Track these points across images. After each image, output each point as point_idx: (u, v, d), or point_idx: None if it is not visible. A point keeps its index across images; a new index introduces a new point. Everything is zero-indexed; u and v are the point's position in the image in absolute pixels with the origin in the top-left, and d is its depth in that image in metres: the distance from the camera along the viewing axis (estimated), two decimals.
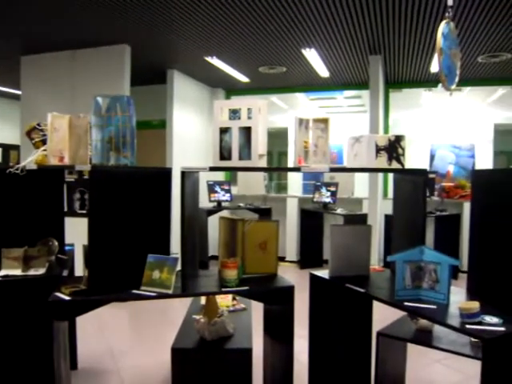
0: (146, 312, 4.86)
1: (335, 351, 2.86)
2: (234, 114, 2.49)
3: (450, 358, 3.33)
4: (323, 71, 6.41)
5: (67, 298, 2.28)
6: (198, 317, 2.87)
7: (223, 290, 2.43)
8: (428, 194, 6.25)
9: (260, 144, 2.42)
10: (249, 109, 2.44)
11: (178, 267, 2.40)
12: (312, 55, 5.64)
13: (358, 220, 6.01)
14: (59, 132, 2.75)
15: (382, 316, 2.92)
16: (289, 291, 2.49)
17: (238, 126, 2.45)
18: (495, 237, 2.15)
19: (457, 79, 2.51)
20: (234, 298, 3.40)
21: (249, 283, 2.50)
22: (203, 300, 3.11)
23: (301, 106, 9.06)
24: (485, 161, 9.87)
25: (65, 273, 2.97)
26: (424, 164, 9.79)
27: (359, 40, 5.08)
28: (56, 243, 3.20)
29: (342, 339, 2.87)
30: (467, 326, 1.87)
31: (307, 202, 7.24)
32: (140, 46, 5.35)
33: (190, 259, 2.60)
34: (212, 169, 2.40)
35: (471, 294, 2.35)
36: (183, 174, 2.39)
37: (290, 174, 9.58)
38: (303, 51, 5.49)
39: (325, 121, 2.43)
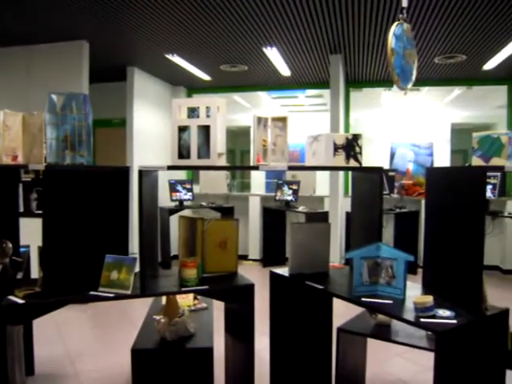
0: (107, 313, 4.77)
1: (296, 348, 2.89)
2: (193, 112, 2.47)
3: (409, 352, 3.40)
4: (285, 70, 6.45)
5: (21, 301, 2.21)
6: (158, 317, 2.84)
7: (183, 289, 2.42)
8: (388, 192, 6.39)
9: (219, 142, 2.41)
10: (207, 107, 2.43)
11: (137, 267, 2.37)
12: (273, 54, 5.67)
13: (319, 218, 6.08)
14: (12, 130, 2.67)
15: (344, 312, 2.96)
16: (249, 289, 2.49)
17: (197, 125, 2.43)
18: (447, 233, 2.21)
19: (413, 79, 2.57)
20: (195, 298, 3.38)
21: (209, 282, 2.49)
22: (164, 300, 3.08)
23: (263, 104, 9.10)
24: (442, 159, 10.19)
25: (19, 275, 2.88)
26: (384, 162, 10.01)
27: (320, 39, 5.14)
28: (10, 245, 3.08)
29: (303, 336, 2.89)
30: (421, 320, 1.93)
31: (270, 200, 7.27)
32: (99, 42, 5.23)
33: (150, 259, 2.57)
34: (170, 168, 2.37)
35: (426, 289, 2.41)
36: (141, 173, 2.35)
37: (253, 173, 9.62)
38: (265, 50, 5.51)
39: (283, 119, 2.45)
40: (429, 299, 1.96)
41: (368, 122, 10.53)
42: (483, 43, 5.22)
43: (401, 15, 2.39)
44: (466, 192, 2.01)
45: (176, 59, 5.89)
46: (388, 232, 7.10)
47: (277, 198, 6.96)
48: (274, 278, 2.75)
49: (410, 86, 2.51)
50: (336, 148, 2.41)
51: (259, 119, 2.40)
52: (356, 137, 2.46)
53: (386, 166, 9.41)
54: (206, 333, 2.82)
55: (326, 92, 7.03)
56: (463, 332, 1.90)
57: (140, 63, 6.26)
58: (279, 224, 7.23)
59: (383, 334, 2.95)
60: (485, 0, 3.96)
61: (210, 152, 2.39)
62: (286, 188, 6.79)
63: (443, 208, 2.26)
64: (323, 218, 5.85)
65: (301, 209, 6.51)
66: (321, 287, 2.42)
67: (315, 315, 2.91)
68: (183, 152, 2.46)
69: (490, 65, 6.12)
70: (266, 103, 9.04)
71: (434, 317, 1.94)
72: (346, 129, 7.08)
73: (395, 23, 2.34)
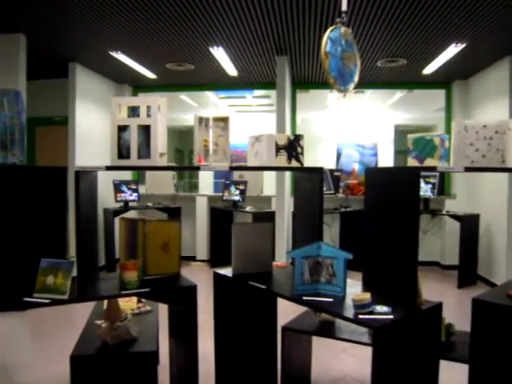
0: (47, 320, 4.59)
1: (241, 348, 2.89)
2: (133, 111, 2.42)
3: (354, 347, 3.48)
4: (232, 70, 6.45)
5: None
6: (99, 322, 2.75)
7: (123, 292, 2.35)
8: (333, 191, 6.52)
9: (160, 142, 2.37)
10: (148, 106, 2.38)
11: (75, 272, 2.29)
12: (220, 54, 5.65)
13: (266, 217, 6.12)
14: None
15: (291, 310, 2.99)
16: (191, 291, 2.46)
17: (137, 124, 2.38)
18: (384, 231, 2.28)
19: (355, 80, 2.63)
20: (139, 301, 3.30)
21: (150, 285, 2.44)
22: (106, 304, 3.00)
23: (211, 104, 9.06)
24: (386, 159, 10.52)
25: None
26: (331, 162, 10.23)
27: (266, 41, 5.17)
28: None
29: (248, 335, 2.90)
30: (359, 317, 1.98)
31: (217, 200, 7.25)
32: (38, 36, 5.00)
33: (89, 262, 2.49)
34: (109, 168, 2.31)
35: (366, 286, 2.47)
36: (77, 173, 2.28)
37: (201, 173, 9.55)
38: (211, 49, 5.48)
39: (225, 119, 2.44)
40: (367, 296, 2.01)
41: (315, 123, 10.71)
42: (422, 48, 5.43)
43: (338, 19, 2.44)
44: (401, 191, 2.08)
45: (120, 56, 5.76)
46: (334, 231, 7.25)
47: (224, 198, 6.95)
48: (218, 278, 2.74)
49: (351, 87, 2.56)
50: (278, 148, 2.43)
51: (200, 119, 2.38)
52: (298, 137, 2.48)
53: (333, 166, 9.61)
54: (149, 336, 2.77)
55: (274, 93, 7.09)
56: (399, 326, 1.96)
57: (83, 59, 6.06)
58: (227, 224, 7.17)
59: (327, 331, 3.01)
60: (424, 7, 4.12)
61: (151, 152, 2.34)
62: (233, 188, 6.79)
63: (381, 207, 2.33)
64: (270, 217, 5.90)
65: (248, 209, 6.53)
66: (263, 287, 2.43)
67: (260, 315, 2.92)
68: (123, 152, 2.40)
69: (429, 69, 6.37)
70: (214, 103, 9.00)
71: (371, 313, 1.99)
72: (293, 129, 7.16)
73: (331, 27, 2.39)
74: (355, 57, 2.56)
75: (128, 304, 3.21)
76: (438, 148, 2.06)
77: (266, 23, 4.59)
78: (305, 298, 2.23)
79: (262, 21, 4.52)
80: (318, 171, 2.46)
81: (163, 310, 2.97)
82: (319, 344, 3.55)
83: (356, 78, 2.59)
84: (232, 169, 2.28)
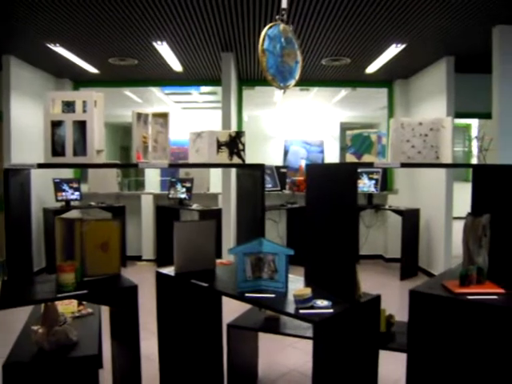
0: None
1: (186, 347, 2.85)
2: (68, 106, 2.32)
3: (301, 341, 3.52)
4: (176, 66, 6.35)
5: None
6: (36, 327, 2.63)
7: (59, 295, 2.26)
8: (280, 188, 6.57)
9: (97, 139, 2.29)
10: (84, 101, 2.29)
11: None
12: (164, 49, 5.54)
13: (212, 215, 6.08)
14: None
15: (238, 307, 2.97)
16: (132, 291, 2.40)
17: (72, 120, 2.29)
18: (324, 226, 2.31)
19: (296, 77, 2.64)
20: (80, 303, 3.19)
21: (89, 286, 2.36)
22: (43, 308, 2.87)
23: (156, 100, 8.90)
24: (332, 156, 10.74)
25: None
26: (279, 159, 10.33)
27: (211, 36, 5.11)
28: None
29: (193, 334, 2.87)
30: (300, 311, 1.99)
31: (163, 198, 7.13)
32: None
33: (21, 265, 2.37)
34: (41, 166, 2.20)
35: (308, 281, 2.50)
36: (7, 172, 2.16)
37: (147, 171, 9.39)
38: (155, 44, 5.36)
39: (164, 115, 2.39)
40: (307, 291, 2.03)
41: (263, 121, 10.77)
42: (365, 48, 5.56)
43: (278, 16, 2.44)
44: (340, 187, 2.12)
45: (59, 50, 5.52)
46: (281, 227, 7.31)
47: (170, 196, 6.84)
48: (160, 277, 2.69)
49: (292, 84, 2.57)
50: (219, 145, 2.41)
51: (139, 115, 2.32)
52: (239, 134, 2.47)
53: (280, 163, 9.70)
54: (90, 340, 2.67)
55: (220, 89, 7.06)
56: (338, 320, 2.00)
57: (18, 52, 5.76)
58: (173, 223, 7.10)
59: (272, 327, 3.03)
60: (365, 8, 4.21)
61: (87, 149, 2.26)
62: (179, 186, 6.70)
63: (321, 203, 2.36)
64: (216, 215, 5.86)
65: (194, 206, 6.47)
66: (205, 285, 2.41)
67: (204, 313, 2.90)
68: (58, 149, 2.30)
69: (371, 68, 6.53)
70: (160, 99, 8.85)
71: (312, 307, 2.01)
72: (239, 127, 7.15)
73: (269, 24, 2.39)
74: (296, 54, 2.57)
75: (68, 307, 3.08)
76: (375, 144, 2.10)
77: (210, 19, 4.54)
78: (247, 294, 2.23)
79: (207, 16, 4.47)
80: (260, 168, 2.46)
81: (107, 312, 2.89)
82: (266, 340, 3.57)
83: (297, 75, 2.60)
84: (171, 166, 2.23)
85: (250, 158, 7.07)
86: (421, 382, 2.28)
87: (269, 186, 6.23)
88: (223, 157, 2.42)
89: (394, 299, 4.87)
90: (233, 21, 4.60)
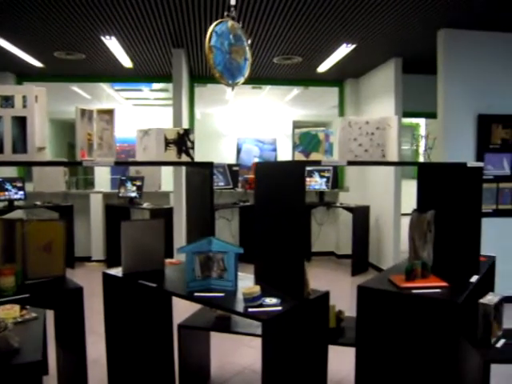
0: None
1: (135, 349, 2.79)
2: (6, 101, 2.20)
3: (254, 339, 3.51)
4: (126, 61, 6.19)
5: None
6: None
7: None
8: (232, 186, 6.55)
9: (38, 136, 2.18)
10: (24, 96, 2.18)
11: None
12: (113, 44, 5.39)
13: (164, 214, 5.99)
14: None
15: (191, 307, 2.93)
16: (77, 294, 2.32)
17: (11, 116, 2.18)
18: (273, 224, 2.31)
19: (245, 75, 2.63)
20: (23, 308, 3.05)
21: (31, 289, 2.26)
22: None
23: (106, 96, 8.67)
24: (285, 154, 10.83)
25: None
26: (232, 157, 10.31)
27: (161, 32, 5.02)
28: None
29: (142, 336, 2.81)
30: (249, 310, 1.98)
31: (113, 197, 6.95)
32: None
33: None
34: None
35: (258, 279, 2.49)
36: None
37: (97, 169, 9.12)
38: (103, 39, 5.21)
39: (109, 112, 2.31)
40: (256, 289, 2.02)
41: (216, 118, 10.72)
42: (316, 47, 5.63)
43: (226, 13, 2.42)
44: (288, 185, 2.12)
45: (0, 41, 5.26)
46: (234, 225, 7.30)
47: (120, 194, 6.67)
48: (107, 279, 2.62)
49: (241, 82, 2.56)
50: (167, 143, 2.36)
51: (83, 112, 2.24)
52: (188, 131, 2.43)
53: (234, 161, 9.69)
54: (34, 345, 2.56)
55: (172, 86, 6.95)
56: (287, 317, 2.00)
57: None
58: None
59: (224, 326, 3.01)
60: (316, 7, 4.26)
61: (28, 146, 2.15)
62: (129, 184, 6.54)
63: (269, 200, 2.36)
64: (168, 213, 5.77)
65: (145, 205, 6.34)
66: (154, 285, 2.36)
67: (154, 314, 2.84)
68: None
69: (323, 67, 6.62)
70: (109, 95, 8.62)
71: (261, 306, 2.01)
72: (191, 124, 7.07)
73: (217, 21, 2.37)
74: (244, 51, 2.56)
75: (9, 312, 2.95)
76: (323, 143, 2.12)
77: (160, 14, 4.46)
78: (196, 294, 2.20)
79: (156, 11, 4.38)
80: (208, 166, 2.43)
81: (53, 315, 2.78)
82: (218, 339, 3.55)
83: (246, 73, 2.59)
84: (117, 164, 2.17)
85: (203, 156, 7.00)
86: (369, 375, 2.33)
87: (221, 184, 6.20)
88: (171, 155, 2.38)
89: (345, 295, 4.96)
90: (183, 16, 4.53)
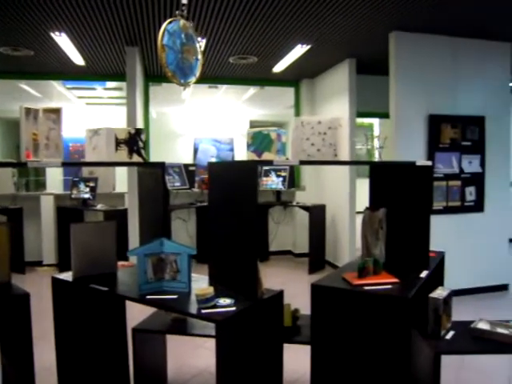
0: None
1: (88, 356, 2.70)
2: None
3: (211, 341, 3.49)
4: (78, 59, 6.01)
5: None
6: None
7: None
8: (188, 186, 6.49)
9: None
10: None
11: None
12: (63, 40, 5.22)
13: (118, 215, 5.85)
14: None
15: (145, 310, 2.88)
16: (23, 300, 2.23)
17: None
18: (226, 224, 2.30)
19: (196, 74, 2.60)
20: None
21: None
22: None
23: (57, 95, 8.40)
24: (242, 153, 10.82)
25: None
26: (189, 157, 10.22)
27: (114, 29, 4.90)
28: None
29: (95, 342, 2.72)
30: (202, 311, 1.96)
31: (66, 199, 6.73)
32: None
33: None
34: None
35: (212, 279, 2.47)
36: None
37: (49, 170, 8.84)
38: (52, 35, 5.03)
39: (56, 111, 2.23)
40: (209, 290, 2.00)
41: (172, 118, 10.59)
42: (271, 47, 5.65)
43: (177, 11, 2.39)
44: (240, 185, 2.11)
45: None
46: (191, 226, 7.23)
47: (73, 196, 6.47)
48: (57, 283, 2.53)
49: (192, 81, 2.53)
50: (118, 143, 2.31)
51: (28, 111, 2.15)
52: (139, 131, 2.38)
53: (190, 161, 9.60)
54: None
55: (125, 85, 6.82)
56: (241, 317, 1.99)
57: None
58: None
59: (180, 328, 2.97)
60: (270, 7, 4.27)
61: None
62: (82, 185, 6.36)
63: (222, 200, 2.34)
64: (123, 215, 5.65)
65: (99, 207, 6.18)
66: (105, 289, 2.30)
67: (107, 318, 2.77)
68: None
69: (278, 67, 6.66)
70: (61, 94, 8.35)
71: (215, 307, 1.99)
72: (145, 124, 6.95)
73: (169, 20, 2.33)
74: (196, 50, 2.53)
75: None
76: (275, 142, 2.13)
77: (112, 10, 4.34)
78: (148, 297, 2.16)
79: (108, 7, 4.27)
80: (160, 166, 2.39)
81: None
82: (175, 342, 3.50)
83: (197, 72, 2.56)
84: (64, 165, 2.09)
85: (159, 156, 6.90)
86: (324, 372, 2.35)
87: (177, 184, 6.13)
88: (122, 155, 2.32)
89: (302, 293, 4.97)
90: (137, 13, 4.44)
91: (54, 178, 8.84)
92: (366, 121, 10.22)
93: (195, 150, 9.87)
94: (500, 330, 2.47)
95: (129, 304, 2.75)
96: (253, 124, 11.17)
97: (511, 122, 5.67)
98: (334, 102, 6.69)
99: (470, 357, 3.43)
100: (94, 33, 5.01)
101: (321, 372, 2.37)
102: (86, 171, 6.66)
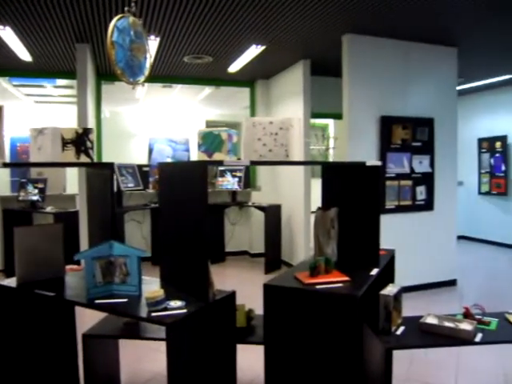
0: None
1: (34, 365, 2.60)
2: None
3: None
4: (24, 55, 5.78)
5: None
6: None
7: None
8: (142, 187, 6.37)
9: None
10: None
11: None
12: (8, 35, 4.98)
13: (69, 218, 5.68)
14: None
15: (98, 314, 2.79)
16: None
17: None
18: (177, 225, 2.27)
19: (145, 73, 2.55)
20: None
21: None
22: None
23: (2, 92, 8.03)
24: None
25: None
26: (143, 157, 10.02)
27: (62, 24, 4.73)
28: None
29: (42, 350, 2.62)
30: (152, 314, 1.93)
31: (12, 201, 6.45)
32: None
33: None
34: None
35: (164, 281, 2.43)
36: None
37: None
38: None
39: None
40: (159, 293, 1.97)
41: (126, 117, 10.37)
42: (226, 47, 5.63)
43: (126, 8, 2.34)
44: (190, 185, 2.09)
45: None
46: (145, 227, 7.12)
47: (20, 198, 6.21)
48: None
49: (141, 80, 2.48)
50: (65, 143, 2.23)
51: None
52: (87, 131, 2.31)
53: (145, 162, 9.42)
54: None
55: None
56: (192, 319, 1.97)
57: None
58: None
59: (133, 332, 2.90)
60: (224, 7, 4.25)
61: None
62: (30, 187, 6.12)
63: (173, 201, 2.31)
64: (74, 217, 5.49)
65: (49, 209, 5.98)
66: (52, 294, 2.22)
67: (55, 325, 2.67)
68: None
69: (233, 68, 6.65)
70: (7, 91, 7.99)
71: (165, 309, 1.96)
72: (97, 123, 6.78)
73: (118, 16, 2.28)
74: (145, 49, 2.48)
75: None
76: (226, 143, 2.11)
77: (60, 5, 4.18)
78: (97, 301, 2.10)
79: (56, 1, 4.12)
80: (109, 166, 2.33)
81: None
82: (128, 346, 3.42)
83: (146, 71, 2.51)
84: (6, 166, 2.00)
85: (112, 156, 6.74)
86: (278, 371, 2.36)
87: (130, 185, 6.00)
88: (69, 155, 2.24)
89: (257, 293, 4.99)
90: (86, 9, 4.30)
91: (1, 180, 8.46)
92: (323, 121, 10.36)
93: (150, 151, 9.69)
94: (447, 324, 2.56)
95: (80, 309, 2.67)
96: (209, 124, 11.08)
97: (458, 124, 5.90)
98: (289, 102, 6.74)
99: (420, 350, 3.53)
100: (41, 28, 4.83)
101: (275, 371, 2.38)
102: (34, 172, 6.42)
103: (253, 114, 7.79)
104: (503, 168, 8.42)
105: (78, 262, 2.87)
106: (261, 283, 2.37)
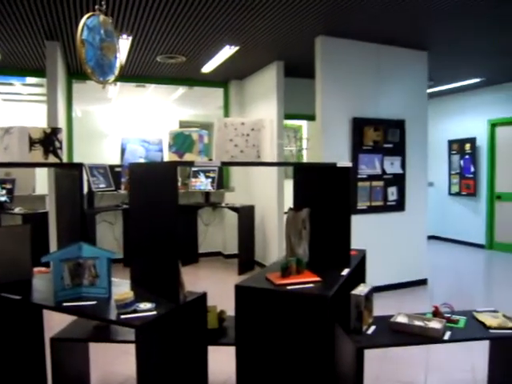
0: None
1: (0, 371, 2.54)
2: None
3: None
4: None
5: None
6: None
7: None
8: (114, 188, 6.29)
9: None
10: None
11: None
12: None
13: (38, 219, 5.57)
14: None
15: (66, 318, 2.74)
16: None
17: None
18: (147, 226, 2.25)
19: (115, 73, 2.52)
20: None
21: None
22: None
23: None
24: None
25: None
26: (115, 158, 9.89)
27: (31, 21, 4.61)
28: None
29: (8, 354, 2.56)
30: (121, 317, 1.90)
31: None
32: None
33: None
34: None
35: (134, 283, 2.41)
36: None
37: None
38: None
39: None
40: (129, 295, 1.95)
41: (98, 117, 10.23)
42: (199, 47, 5.61)
43: (97, 6, 2.30)
44: (160, 186, 2.07)
45: None
46: (117, 228, 7.03)
47: None
48: None
49: (111, 80, 2.44)
50: (32, 142, 2.18)
51: None
52: (56, 131, 2.27)
53: (118, 162, 9.29)
54: None
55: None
56: (162, 321, 1.95)
57: None
58: None
59: (103, 335, 2.86)
60: (198, 7, 4.22)
61: None
62: None
63: (143, 202, 2.29)
64: (43, 218, 5.38)
65: (17, 210, 5.85)
66: (18, 297, 2.17)
67: (21, 329, 2.61)
68: None
69: (207, 68, 6.63)
70: None
71: (135, 311, 1.94)
72: (68, 122, 6.66)
73: (88, 14, 2.24)
74: (115, 48, 2.45)
75: None
76: (197, 143, 2.11)
77: (29, 0, 4.09)
78: (65, 304, 2.06)
79: None
80: (77, 167, 2.29)
81: None
82: (98, 349, 3.37)
83: (116, 71, 2.48)
84: None
85: (83, 156, 6.62)
86: (249, 372, 2.36)
87: (102, 186, 5.91)
88: (37, 155, 2.20)
89: (230, 294, 4.99)
90: (56, 5, 4.21)
91: None
92: (296, 123, 10.42)
93: (123, 151, 9.55)
94: (417, 323, 2.61)
95: (48, 313, 2.62)
96: (182, 124, 11.02)
97: (428, 126, 6.02)
98: (263, 103, 6.76)
99: (391, 349, 3.59)
100: (9, 24, 4.70)
101: (247, 372, 2.37)
102: (1, 172, 6.26)
103: (226, 114, 7.78)
104: (472, 169, 8.63)
105: (46, 265, 2.81)
106: (234, 284, 2.37)
